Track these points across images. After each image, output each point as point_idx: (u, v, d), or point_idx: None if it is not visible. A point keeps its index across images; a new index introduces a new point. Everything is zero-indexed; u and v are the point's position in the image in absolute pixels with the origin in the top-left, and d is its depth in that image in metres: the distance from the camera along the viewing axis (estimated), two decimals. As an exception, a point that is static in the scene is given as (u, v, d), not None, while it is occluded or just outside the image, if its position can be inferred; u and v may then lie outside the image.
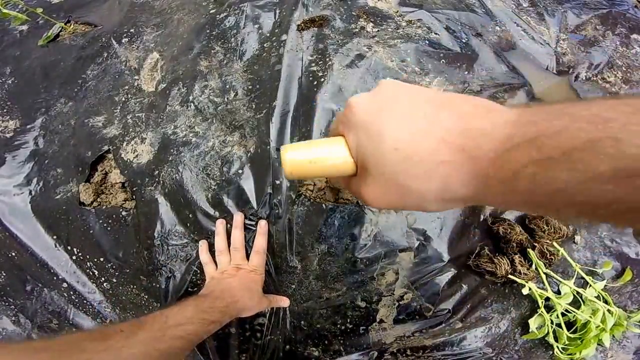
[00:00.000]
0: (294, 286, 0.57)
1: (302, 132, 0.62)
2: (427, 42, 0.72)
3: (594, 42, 0.84)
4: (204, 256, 0.58)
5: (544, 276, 0.57)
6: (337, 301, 0.56)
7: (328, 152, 0.28)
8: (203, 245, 0.59)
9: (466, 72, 0.70)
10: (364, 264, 0.56)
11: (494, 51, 0.75)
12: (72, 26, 0.93)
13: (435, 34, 0.74)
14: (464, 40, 0.75)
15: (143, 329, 0.38)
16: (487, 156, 0.20)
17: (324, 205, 0.58)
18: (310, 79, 0.66)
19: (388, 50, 0.69)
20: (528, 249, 0.57)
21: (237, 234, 0.58)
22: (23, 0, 0.90)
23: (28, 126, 0.78)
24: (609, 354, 0.64)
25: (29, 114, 0.79)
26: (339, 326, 0.56)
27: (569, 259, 0.59)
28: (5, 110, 0.82)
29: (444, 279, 0.56)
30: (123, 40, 0.84)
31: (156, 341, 0.38)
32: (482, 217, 0.60)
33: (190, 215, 0.61)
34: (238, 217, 0.59)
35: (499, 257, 0.56)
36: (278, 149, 0.60)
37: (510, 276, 0.56)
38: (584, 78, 0.80)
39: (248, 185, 0.60)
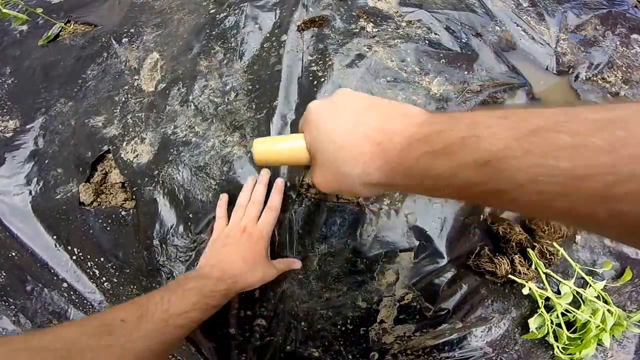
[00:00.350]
0: (293, 286, 0.57)
1: (302, 132, 0.62)
2: (427, 42, 0.72)
3: (594, 42, 0.84)
4: (219, 210, 0.57)
5: (543, 276, 0.57)
6: (338, 302, 0.56)
7: (290, 144, 0.36)
8: (223, 197, 0.58)
9: (466, 72, 0.70)
10: (364, 264, 0.56)
11: (494, 51, 0.75)
12: (72, 26, 0.93)
13: (435, 34, 0.74)
14: (464, 40, 0.75)
15: (145, 319, 0.37)
16: (396, 149, 0.26)
17: (324, 205, 0.58)
18: (310, 79, 0.66)
19: (388, 50, 0.69)
20: (528, 249, 0.58)
21: (260, 189, 0.56)
22: (23, 0, 0.90)
23: (28, 126, 0.78)
24: (609, 354, 0.64)
25: (29, 114, 0.79)
26: (339, 327, 0.56)
27: (568, 259, 0.59)
28: (5, 110, 0.82)
29: (444, 279, 0.56)
30: (123, 40, 0.84)
31: (159, 334, 0.37)
32: (482, 217, 0.60)
33: (191, 215, 0.61)
34: (264, 174, 0.57)
35: (499, 257, 0.56)
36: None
37: (510, 276, 0.56)
38: (584, 78, 0.80)
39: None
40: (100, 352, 0.32)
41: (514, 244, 0.57)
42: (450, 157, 0.22)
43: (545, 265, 0.57)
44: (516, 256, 0.56)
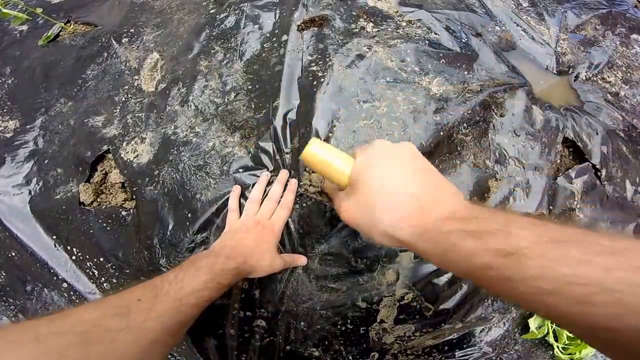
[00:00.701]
0: (294, 287, 0.57)
1: (302, 132, 0.62)
2: (427, 42, 0.72)
3: (594, 42, 0.84)
4: (232, 202, 0.57)
5: None
6: (338, 302, 0.56)
7: (337, 160, 0.38)
8: (236, 189, 0.58)
9: (466, 72, 0.70)
10: (364, 264, 0.56)
11: (494, 51, 0.75)
12: (72, 26, 0.93)
13: (435, 34, 0.74)
14: (463, 40, 0.75)
15: (160, 298, 0.38)
16: (434, 218, 0.29)
17: (324, 205, 0.58)
18: (310, 79, 0.66)
19: (388, 50, 0.69)
20: None
21: (277, 188, 0.57)
22: (23, 0, 0.90)
23: (28, 126, 0.78)
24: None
25: (29, 114, 0.79)
26: (339, 327, 0.56)
27: None
28: (5, 110, 0.82)
29: (444, 279, 0.56)
30: (123, 40, 0.84)
31: (174, 312, 0.38)
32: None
33: (190, 215, 0.61)
34: (283, 174, 0.58)
35: None
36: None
37: None
38: (584, 78, 0.80)
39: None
40: (120, 333, 0.33)
41: None
42: (479, 241, 0.25)
43: None
44: None
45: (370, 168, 0.34)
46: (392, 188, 0.32)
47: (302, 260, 0.56)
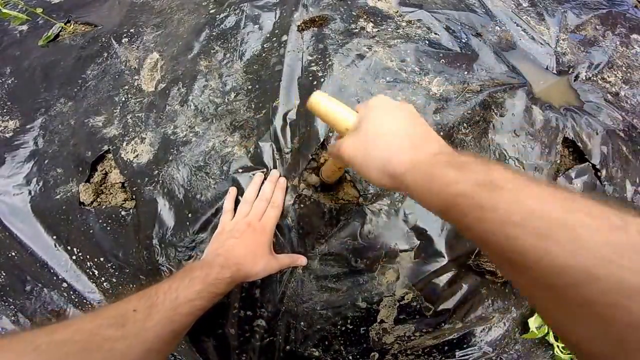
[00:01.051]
0: (294, 287, 0.57)
1: (302, 132, 0.62)
2: (427, 42, 0.72)
3: (594, 42, 0.84)
4: (227, 203, 0.58)
5: None
6: (338, 302, 0.56)
7: (341, 109, 0.42)
8: (232, 191, 0.59)
9: (466, 72, 0.70)
10: (364, 264, 0.56)
11: (493, 51, 0.75)
12: (72, 26, 0.93)
13: (435, 34, 0.74)
14: (463, 40, 0.75)
15: (155, 308, 0.39)
16: (425, 153, 0.32)
17: (324, 205, 0.58)
18: (310, 78, 0.66)
19: (388, 50, 0.69)
20: None
21: (268, 187, 0.57)
22: (23, 0, 0.90)
23: (28, 126, 0.78)
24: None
25: (29, 114, 0.79)
26: (339, 327, 0.56)
27: None
28: (5, 110, 0.82)
29: (444, 279, 0.56)
30: (123, 40, 0.84)
31: (169, 322, 0.39)
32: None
33: (190, 215, 0.61)
34: (275, 173, 0.59)
35: None
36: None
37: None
38: (584, 78, 0.80)
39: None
40: (117, 342, 0.34)
41: None
42: (461, 171, 0.27)
43: None
44: None
45: (372, 114, 0.37)
46: (388, 130, 0.35)
47: (301, 260, 0.56)
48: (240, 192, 0.60)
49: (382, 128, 0.35)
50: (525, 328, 0.59)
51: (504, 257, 0.24)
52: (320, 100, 0.42)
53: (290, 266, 0.56)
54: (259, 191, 0.58)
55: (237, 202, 0.59)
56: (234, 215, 0.57)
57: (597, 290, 0.19)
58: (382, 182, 0.34)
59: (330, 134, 0.61)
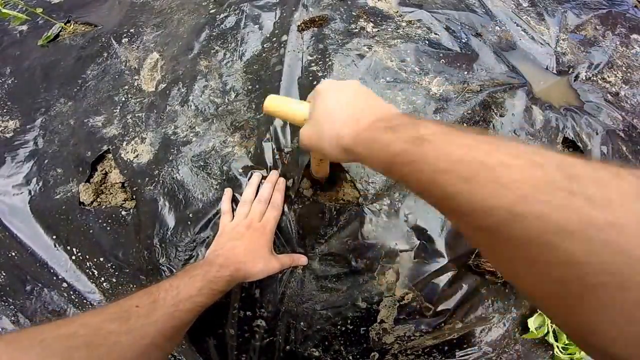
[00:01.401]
0: (294, 287, 0.57)
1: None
2: (427, 42, 0.72)
3: (594, 42, 0.84)
4: (224, 205, 0.58)
5: None
6: (338, 302, 0.56)
7: (294, 104, 0.44)
8: (227, 192, 0.59)
9: (466, 72, 0.70)
10: (364, 264, 0.56)
11: (493, 51, 0.75)
12: (72, 26, 0.93)
13: (435, 34, 0.74)
14: (463, 40, 0.75)
15: (157, 304, 0.40)
16: (365, 122, 0.34)
17: (324, 205, 0.58)
18: (310, 79, 0.66)
19: (388, 50, 0.69)
20: None
21: (267, 188, 0.57)
22: (23, 0, 0.90)
23: (28, 126, 0.78)
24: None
25: (29, 114, 0.79)
26: (339, 327, 0.56)
27: None
28: (5, 110, 0.82)
29: (444, 279, 0.56)
30: (123, 40, 0.84)
31: (170, 318, 0.40)
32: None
33: (191, 215, 0.61)
34: (274, 174, 0.59)
35: None
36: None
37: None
38: (584, 78, 0.80)
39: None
40: (121, 336, 0.35)
41: None
42: (395, 133, 0.29)
43: None
44: None
45: (319, 98, 0.40)
46: (333, 109, 0.37)
47: (302, 260, 0.56)
48: (241, 192, 0.60)
49: (328, 108, 0.38)
50: (525, 328, 0.59)
51: (441, 204, 0.25)
52: (271, 103, 0.45)
53: (290, 266, 0.56)
54: (257, 192, 0.58)
55: (237, 202, 0.59)
56: (232, 216, 0.57)
57: (524, 229, 0.18)
58: (340, 157, 0.37)
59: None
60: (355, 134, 0.34)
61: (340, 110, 0.37)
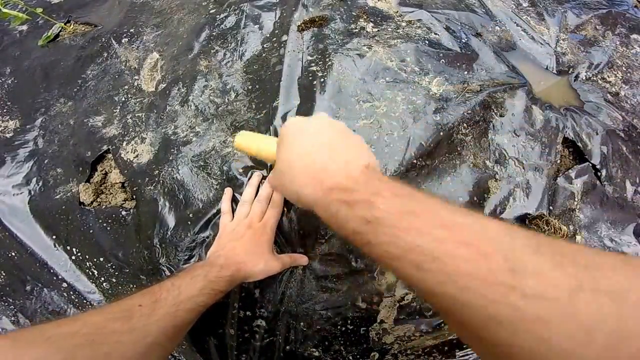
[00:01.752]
0: (293, 287, 0.57)
1: (302, 132, 0.62)
2: (427, 42, 0.72)
3: (594, 42, 0.84)
4: (224, 205, 0.58)
5: None
6: (338, 302, 0.56)
7: (265, 143, 0.44)
8: (227, 192, 0.59)
9: (466, 72, 0.70)
10: (364, 264, 0.56)
11: (493, 51, 0.75)
12: (72, 26, 0.93)
13: (435, 34, 0.74)
14: (463, 40, 0.75)
15: (159, 304, 0.40)
16: (323, 188, 0.33)
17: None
18: (310, 79, 0.66)
19: (388, 50, 0.69)
20: None
21: (266, 188, 0.57)
22: (23, 0, 0.90)
23: (28, 126, 0.78)
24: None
25: (29, 114, 0.79)
26: (339, 327, 0.56)
27: None
28: (5, 110, 0.82)
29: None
30: (123, 40, 0.84)
31: (172, 317, 0.40)
32: (482, 217, 0.60)
33: (191, 215, 0.61)
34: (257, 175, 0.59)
35: None
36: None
37: None
38: (584, 78, 0.80)
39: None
40: (123, 335, 0.36)
41: None
42: (351, 210, 0.29)
43: None
44: None
45: (282, 145, 0.39)
46: (294, 163, 0.36)
47: (303, 259, 0.56)
48: (241, 192, 0.60)
49: (290, 160, 0.37)
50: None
51: (403, 281, 0.27)
52: (243, 140, 0.44)
53: (291, 266, 0.56)
54: (257, 192, 0.58)
55: (237, 202, 0.59)
56: (232, 217, 0.57)
57: (468, 315, 0.21)
58: (307, 210, 0.37)
59: None
60: (315, 198, 0.33)
61: (301, 165, 0.35)
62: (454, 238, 0.23)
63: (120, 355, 0.35)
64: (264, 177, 0.60)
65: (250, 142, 0.44)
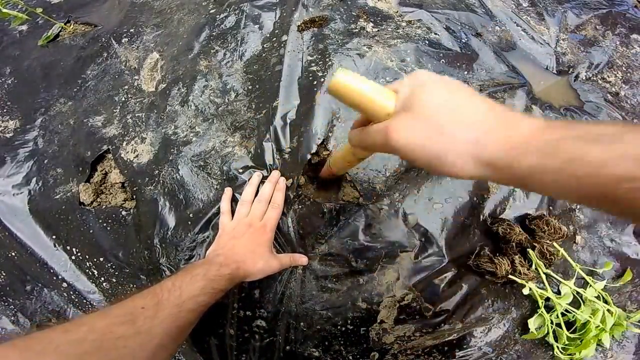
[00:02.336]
0: (293, 287, 0.57)
1: (302, 132, 0.62)
2: (427, 42, 0.72)
3: (594, 42, 0.84)
4: (224, 204, 0.58)
5: (544, 276, 0.57)
6: (338, 302, 0.56)
7: (378, 90, 0.32)
8: (227, 192, 0.59)
9: (466, 72, 0.70)
10: (364, 264, 0.56)
11: (493, 51, 0.75)
12: (72, 26, 0.93)
13: (435, 34, 0.74)
14: (463, 40, 0.75)
15: (162, 305, 0.40)
16: (528, 129, 0.25)
17: (324, 205, 0.58)
18: (310, 78, 0.66)
19: (388, 50, 0.69)
20: (528, 250, 0.57)
21: (267, 188, 0.57)
22: (23, 0, 0.90)
23: (28, 126, 0.78)
24: (608, 354, 0.64)
25: (29, 114, 0.79)
26: (339, 327, 0.56)
27: (569, 259, 0.59)
28: (5, 110, 0.82)
29: (444, 279, 0.56)
30: (123, 40, 0.84)
31: (175, 319, 0.40)
32: (481, 218, 0.60)
33: (191, 215, 0.61)
34: (275, 173, 0.59)
35: (499, 257, 0.56)
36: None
37: (510, 276, 0.56)
38: (584, 78, 0.80)
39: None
40: (129, 339, 0.36)
41: (514, 244, 0.57)
42: (609, 146, 0.21)
43: (545, 266, 0.57)
44: (516, 256, 0.56)
45: (425, 89, 0.30)
46: (460, 104, 0.27)
47: (302, 260, 0.56)
48: (241, 192, 0.60)
49: (452, 102, 0.28)
50: (525, 328, 0.59)
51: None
52: (348, 83, 0.32)
53: (291, 266, 0.56)
54: (257, 192, 0.58)
55: (237, 202, 0.59)
56: (232, 216, 0.57)
57: None
58: (471, 172, 0.27)
59: (330, 132, 0.61)
60: (520, 142, 0.25)
61: (471, 107, 0.27)
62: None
63: (130, 359, 0.35)
64: (264, 177, 0.60)
65: (357, 84, 0.32)
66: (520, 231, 0.57)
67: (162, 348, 0.38)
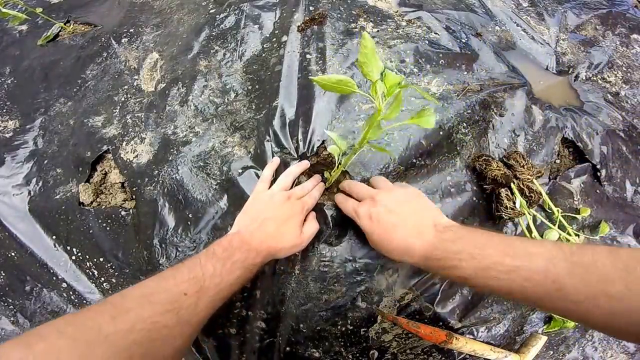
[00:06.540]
0: (293, 288, 0.57)
1: (302, 132, 0.62)
2: (427, 42, 0.72)
3: (594, 42, 0.84)
4: (267, 171, 0.56)
5: (529, 217, 0.57)
6: (337, 302, 0.56)
7: None
8: (275, 160, 0.58)
9: (466, 72, 0.70)
10: (363, 264, 0.56)
11: (493, 51, 0.75)
12: (71, 26, 0.93)
13: (435, 33, 0.74)
14: (463, 40, 0.75)
15: (202, 293, 0.40)
16: (438, 245, 0.43)
17: (323, 205, 0.58)
18: (310, 79, 0.66)
19: (387, 50, 0.69)
20: (512, 185, 0.57)
21: (310, 183, 0.56)
22: (23, 0, 0.90)
23: (27, 126, 0.78)
24: (608, 354, 0.64)
25: (29, 114, 0.79)
26: (339, 327, 0.56)
27: (548, 201, 0.60)
28: (4, 110, 0.82)
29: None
30: (122, 40, 0.84)
31: (210, 308, 0.41)
32: (481, 218, 0.60)
33: (190, 215, 0.61)
34: (317, 176, 0.59)
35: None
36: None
37: (497, 213, 0.57)
38: (584, 78, 0.80)
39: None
40: (174, 329, 0.37)
41: (489, 179, 0.56)
42: (460, 262, 0.40)
43: (528, 205, 0.57)
44: (503, 189, 0.56)
45: (384, 217, 0.47)
46: (397, 223, 0.46)
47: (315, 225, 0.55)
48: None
49: (395, 226, 0.46)
50: (525, 328, 0.59)
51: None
52: None
53: (312, 234, 0.54)
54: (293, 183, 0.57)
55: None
56: (270, 186, 0.55)
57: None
58: (402, 259, 0.45)
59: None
60: (426, 254, 0.43)
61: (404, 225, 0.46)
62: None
63: (171, 348, 0.37)
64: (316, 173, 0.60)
65: None
66: (497, 166, 0.56)
67: (195, 335, 0.40)
